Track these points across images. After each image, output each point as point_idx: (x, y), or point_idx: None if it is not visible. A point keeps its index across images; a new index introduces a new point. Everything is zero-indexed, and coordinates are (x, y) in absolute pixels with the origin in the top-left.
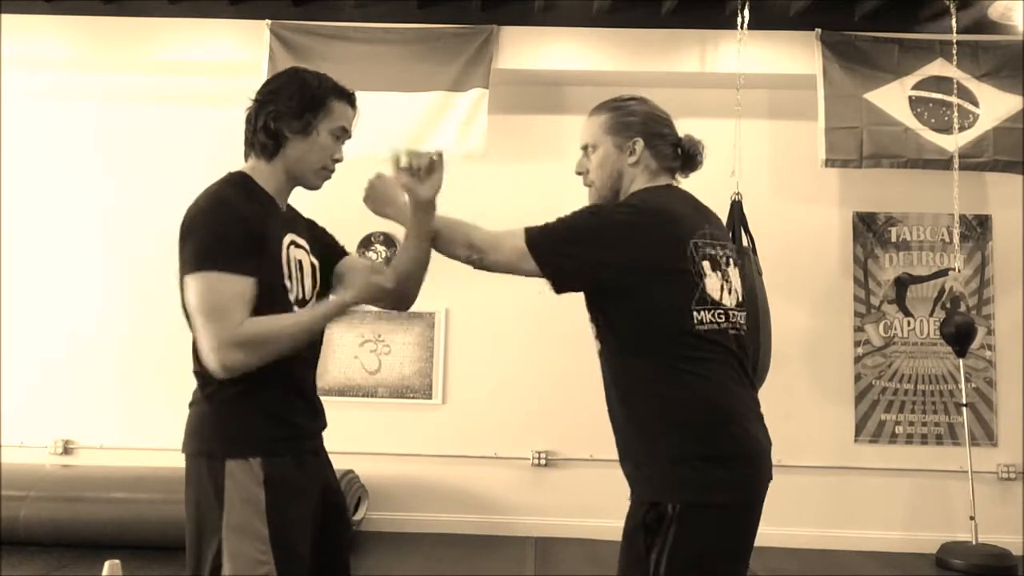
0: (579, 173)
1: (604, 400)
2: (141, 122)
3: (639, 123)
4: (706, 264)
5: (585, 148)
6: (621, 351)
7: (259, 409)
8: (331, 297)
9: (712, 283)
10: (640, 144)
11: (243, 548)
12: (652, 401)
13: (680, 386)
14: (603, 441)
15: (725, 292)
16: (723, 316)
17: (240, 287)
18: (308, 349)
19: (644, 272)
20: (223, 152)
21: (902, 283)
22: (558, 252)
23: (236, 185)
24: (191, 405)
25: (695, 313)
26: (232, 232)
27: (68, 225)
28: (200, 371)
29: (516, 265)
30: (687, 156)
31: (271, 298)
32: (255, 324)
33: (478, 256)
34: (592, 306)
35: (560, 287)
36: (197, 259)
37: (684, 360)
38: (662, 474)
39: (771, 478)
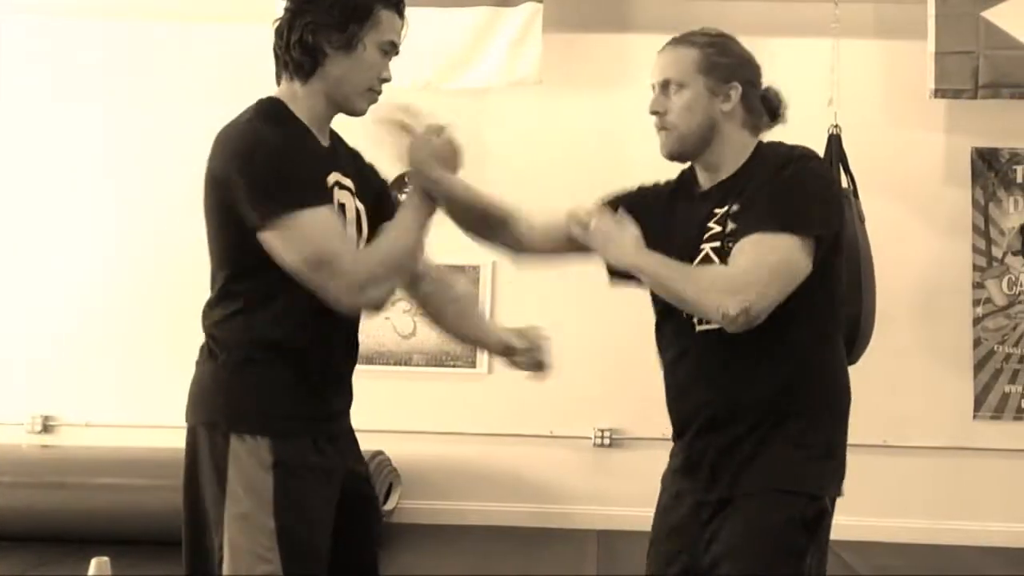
0: (655, 113)
1: None
2: (136, 47)
3: (737, 66)
4: None
5: (666, 85)
6: (790, 321)
7: (275, 379)
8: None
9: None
10: (738, 92)
11: (244, 542)
12: (814, 383)
13: (838, 368)
14: None
15: None
16: None
17: (327, 217)
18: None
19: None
20: (245, 78)
21: None
22: (826, 223)
23: (266, 116)
24: (196, 365)
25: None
26: (286, 165)
27: (53, 176)
28: (210, 331)
29: (798, 275)
30: (771, 110)
31: None
32: (365, 258)
33: (749, 304)
34: None
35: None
36: (267, 208)
37: (834, 334)
38: (805, 463)
39: None
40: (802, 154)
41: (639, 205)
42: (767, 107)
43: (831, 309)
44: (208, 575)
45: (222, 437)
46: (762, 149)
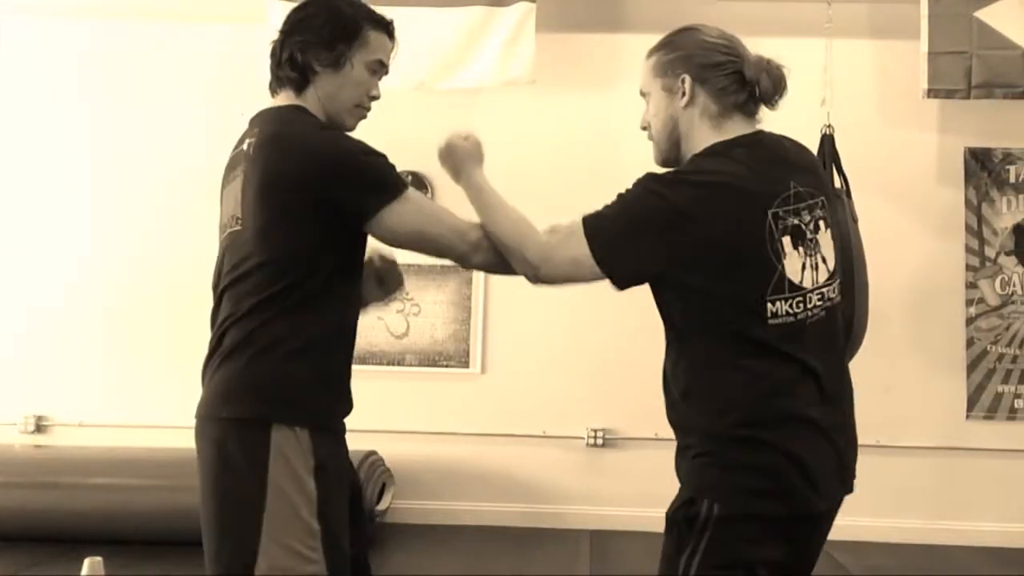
0: (643, 128)
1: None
2: (131, 47)
3: (683, 58)
4: (786, 240)
5: (643, 98)
6: (682, 341)
7: (314, 375)
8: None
9: (792, 264)
10: (687, 81)
11: (287, 541)
12: (706, 393)
13: (739, 383)
14: None
15: (809, 270)
16: (801, 304)
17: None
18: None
19: (711, 266)
20: (232, 80)
21: (1022, 231)
22: (619, 248)
23: (317, 121)
24: (225, 361)
25: (769, 305)
26: (385, 160)
27: (49, 175)
28: (253, 328)
29: (577, 273)
30: (757, 84)
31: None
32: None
33: (532, 272)
34: (654, 294)
35: (623, 285)
36: (388, 191)
37: (750, 357)
38: (700, 470)
39: (848, 491)
40: (650, 174)
41: None
42: (759, 87)
43: (714, 319)
44: (237, 572)
45: (262, 431)
46: (703, 151)
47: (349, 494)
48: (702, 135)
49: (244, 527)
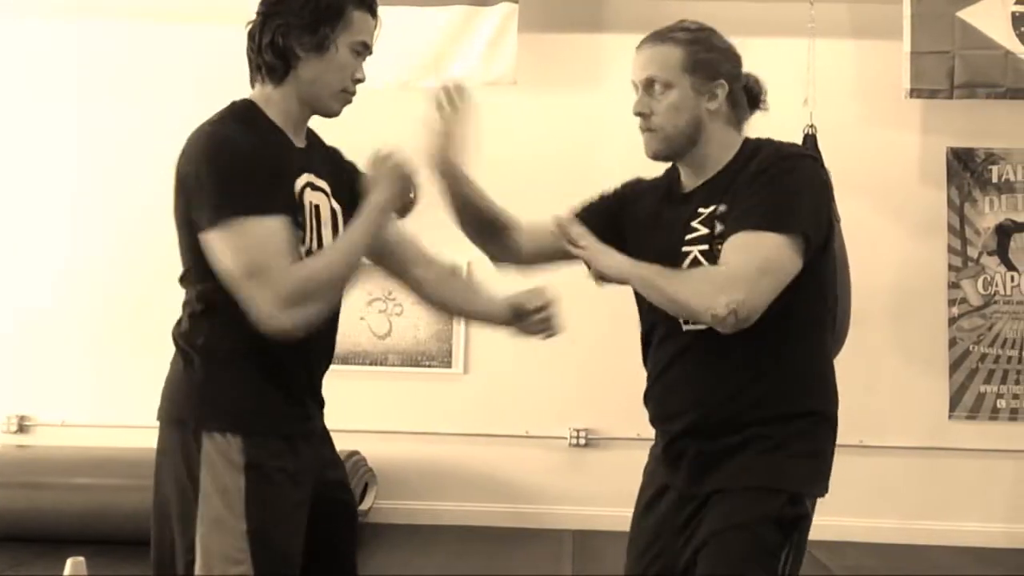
0: (640, 114)
1: None
2: (117, 45)
3: (722, 62)
4: None
5: (650, 84)
6: (779, 325)
7: (247, 379)
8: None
9: None
10: (724, 90)
11: (216, 544)
12: (802, 386)
13: (826, 370)
14: None
15: None
16: None
17: (274, 228)
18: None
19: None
20: (217, 79)
21: (1005, 231)
22: (816, 222)
23: (237, 117)
24: (171, 364)
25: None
26: (245, 169)
27: (33, 174)
28: (181, 331)
29: (787, 273)
30: (752, 98)
31: None
32: (296, 272)
33: (737, 304)
34: None
35: (815, 242)
36: (214, 211)
37: (824, 336)
38: (801, 461)
39: None
40: (791, 153)
41: (626, 203)
42: (748, 96)
43: (820, 310)
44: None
45: (193, 436)
46: (749, 146)
47: (308, 499)
48: (728, 135)
49: (182, 533)
